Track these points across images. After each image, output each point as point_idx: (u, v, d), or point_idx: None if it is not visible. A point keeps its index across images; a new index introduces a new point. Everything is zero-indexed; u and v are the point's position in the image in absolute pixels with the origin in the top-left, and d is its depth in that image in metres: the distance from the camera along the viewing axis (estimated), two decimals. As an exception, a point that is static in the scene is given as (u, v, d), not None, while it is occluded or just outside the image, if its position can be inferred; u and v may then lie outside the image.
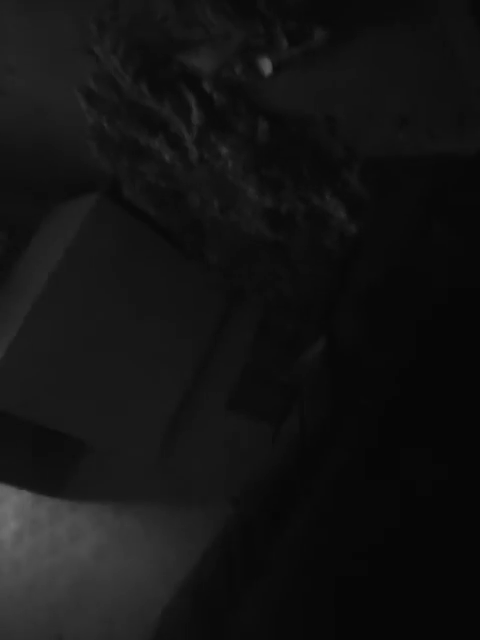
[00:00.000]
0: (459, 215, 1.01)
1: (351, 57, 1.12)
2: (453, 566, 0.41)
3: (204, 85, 1.28)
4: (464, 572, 0.40)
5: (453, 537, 0.41)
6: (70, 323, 2.00)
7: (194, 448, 2.40)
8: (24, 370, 1.92)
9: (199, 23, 1.08)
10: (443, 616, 0.39)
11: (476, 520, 0.42)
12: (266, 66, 1.13)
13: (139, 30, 1.14)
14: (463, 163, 1.20)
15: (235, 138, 1.44)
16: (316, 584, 0.41)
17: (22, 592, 2.63)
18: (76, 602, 2.37)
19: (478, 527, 0.42)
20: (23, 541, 2.83)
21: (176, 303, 2.27)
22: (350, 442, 0.46)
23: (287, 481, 0.51)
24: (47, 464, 2.74)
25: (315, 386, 0.57)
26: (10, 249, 2.39)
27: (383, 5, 1.02)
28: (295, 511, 0.49)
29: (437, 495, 0.43)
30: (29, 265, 2.18)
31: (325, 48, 1.07)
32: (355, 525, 0.42)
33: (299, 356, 1.91)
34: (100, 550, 2.47)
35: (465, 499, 0.43)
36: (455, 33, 1.00)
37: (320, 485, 0.46)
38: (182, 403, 2.42)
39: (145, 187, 1.80)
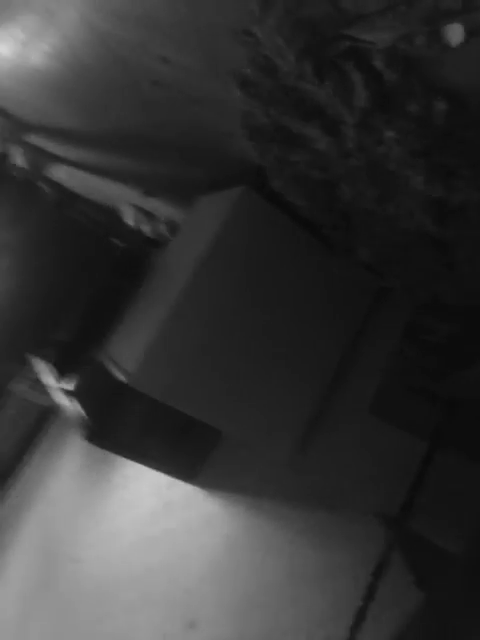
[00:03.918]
0: None
1: None
2: None
3: (375, 62, 1.12)
4: None
5: None
6: (213, 314, 2.01)
7: (333, 452, 2.28)
8: (170, 357, 1.97)
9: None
10: None
11: None
12: (456, 34, 0.95)
13: (307, 5, 1.01)
14: None
15: (404, 121, 1.26)
16: None
17: (159, 570, 2.73)
18: (210, 590, 2.39)
19: None
20: (158, 521, 2.94)
21: (320, 299, 2.16)
22: None
23: None
24: (184, 450, 2.81)
25: None
26: (156, 241, 2.44)
27: None
28: None
29: None
30: (175, 256, 2.20)
31: None
32: None
33: (461, 368, 1.70)
34: (233, 541, 2.46)
35: None
36: None
37: None
38: (322, 404, 2.31)
39: (295, 177, 1.69)
